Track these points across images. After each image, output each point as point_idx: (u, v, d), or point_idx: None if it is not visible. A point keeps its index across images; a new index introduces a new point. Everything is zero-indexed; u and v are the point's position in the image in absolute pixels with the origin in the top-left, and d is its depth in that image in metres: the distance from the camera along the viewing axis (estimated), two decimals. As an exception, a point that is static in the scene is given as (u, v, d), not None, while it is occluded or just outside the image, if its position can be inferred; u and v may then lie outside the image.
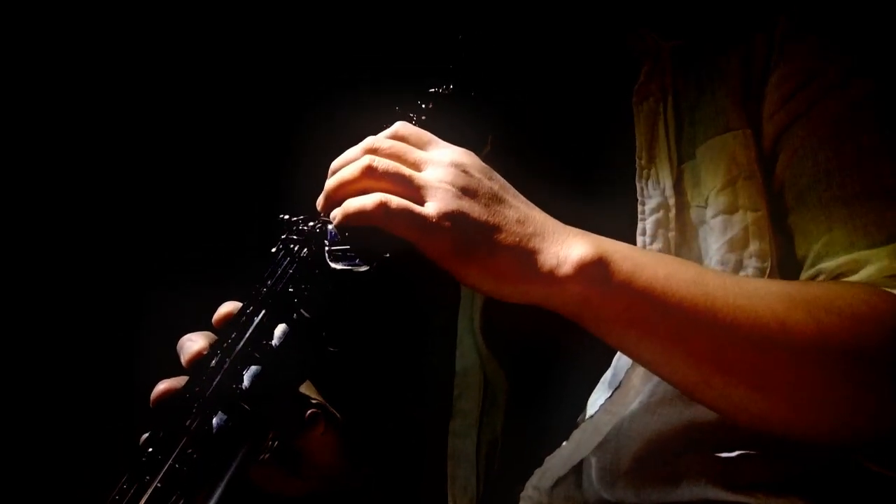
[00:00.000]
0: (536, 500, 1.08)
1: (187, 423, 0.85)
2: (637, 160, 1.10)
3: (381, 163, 0.88)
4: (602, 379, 1.08)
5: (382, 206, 0.85)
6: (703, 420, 1.03)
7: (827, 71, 1.04)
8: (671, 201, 1.07)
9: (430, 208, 0.86)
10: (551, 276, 0.86)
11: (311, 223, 0.92)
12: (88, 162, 1.62)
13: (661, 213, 1.07)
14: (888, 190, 1.00)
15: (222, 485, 0.86)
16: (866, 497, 1.02)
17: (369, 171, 0.88)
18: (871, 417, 0.90)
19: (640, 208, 1.08)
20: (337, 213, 0.89)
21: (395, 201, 0.85)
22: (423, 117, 1.01)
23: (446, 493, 1.18)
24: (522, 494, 1.09)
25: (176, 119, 1.63)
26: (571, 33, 1.17)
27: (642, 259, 0.91)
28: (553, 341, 1.11)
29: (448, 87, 1.05)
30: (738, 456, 1.03)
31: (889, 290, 0.94)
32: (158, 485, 0.83)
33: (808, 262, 1.03)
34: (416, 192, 0.87)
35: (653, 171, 1.09)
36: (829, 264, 1.01)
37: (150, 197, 1.63)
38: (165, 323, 1.01)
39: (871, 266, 0.98)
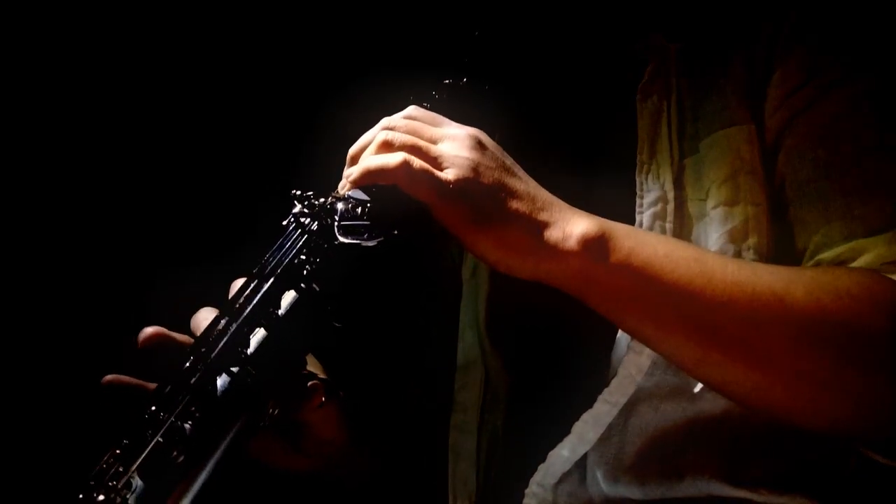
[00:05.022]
0: (541, 497, 1.08)
1: (192, 381, 0.87)
2: (638, 156, 1.11)
3: (398, 136, 0.91)
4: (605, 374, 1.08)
5: (405, 165, 0.87)
6: (706, 416, 1.04)
7: (827, 69, 1.06)
8: (670, 195, 1.08)
9: (449, 174, 0.88)
10: (555, 250, 0.89)
11: (322, 198, 0.95)
12: (104, 146, 1.65)
13: (658, 207, 1.08)
14: (886, 184, 1.01)
15: (222, 446, 0.87)
16: (869, 493, 1.02)
17: (386, 146, 0.91)
18: (868, 400, 0.90)
19: (638, 202, 1.09)
20: (355, 171, 0.91)
21: (418, 162, 0.88)
22: (436, 108, 1.04)
23: (447, 487, 1.18)
24: (527, 491, 1.09)
25: (194, 103, 1.66)
26: (581, 34, 1.20)
27: (643, 238, 0.93)
28: (555, 337, 1.12)
29: (462, 80, 1.09)
30: (741, 452, 1.03)
31: (888, 275, 0.94)
32: (160, 440, 0.84)
33: (808, 253, 1.04)
34: (433, 163, 0.89)
35: (653, 167, 1.10)
36: (828, 254, 1.01)
37: (165, 177, 1.66)
38: (178, 300, 1.03)
39: (868, 254, 0.99)
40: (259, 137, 1.66)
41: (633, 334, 0.98)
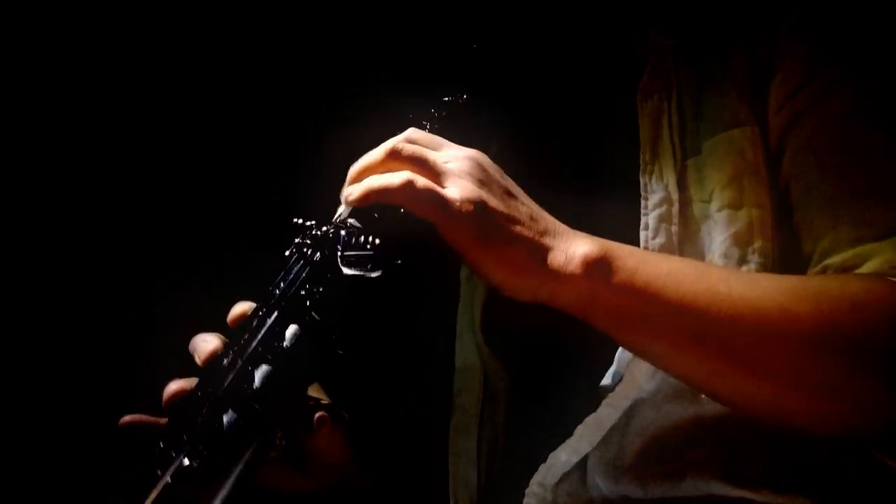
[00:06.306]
0: (541, 497, 1.09)
1: (199, 420, 0.87)
2: (641, 156, 1.11)
3: (406, 147, 0.90)
4: (606, 375, 1.09)
5: (409, 184, 0.86)
6: (707, 416, 1.04)
7: (830, 69, 1.05)
8: (674, 196, 1.08)
9: (454, 192, 0.88)
10: (559, 273, 0.88)
11: (325, 228, 0.94)
12: (103, 164, 1.64)
13: (664, 208, 1.08)
14: (892, 187, 1.01)
15: (231, 482, 0.87)
16: (870, 494, 1.03)
17: (394, 154, 0.90)
18: (878, 405, 0.91)
19: (642, 203, 1.09)
20: (356, 190, 0.89)
21: (422, 181, 0.87)
22: (436, 126, 1.03)
23: (448, 490, 1.20)
24: (527, 491, 1.09)
25: (195, 123, 1.65)
26: (578, 35, 1.19)
27: (646, 257, 0.94)
28: (554, 338, 1.12)
29: (461, 96, 1.08)
30: (742, 452, 1.04)
31: (894, 279, 0.94)
32: (168, 480, 0.85)
33: (815, 258, 1.03)
34: (438, 179, 0.89)
35: (656, 167, 1.10)
36: (835, 259, 1.01)
37: (166, 199, 1.65)
38: (180, 324, 1.03)
39: (875, 258, 0.98)
40: (261, 153, 1.64)
41: (641, 355, 0.99)
